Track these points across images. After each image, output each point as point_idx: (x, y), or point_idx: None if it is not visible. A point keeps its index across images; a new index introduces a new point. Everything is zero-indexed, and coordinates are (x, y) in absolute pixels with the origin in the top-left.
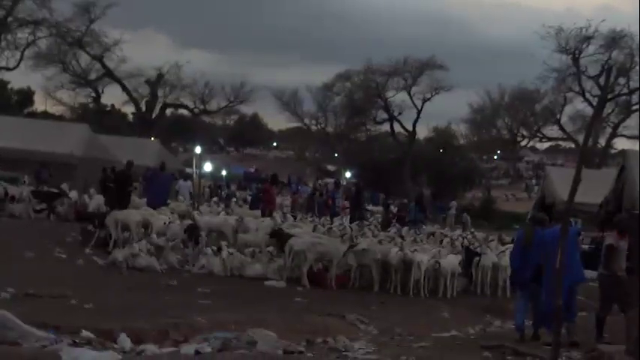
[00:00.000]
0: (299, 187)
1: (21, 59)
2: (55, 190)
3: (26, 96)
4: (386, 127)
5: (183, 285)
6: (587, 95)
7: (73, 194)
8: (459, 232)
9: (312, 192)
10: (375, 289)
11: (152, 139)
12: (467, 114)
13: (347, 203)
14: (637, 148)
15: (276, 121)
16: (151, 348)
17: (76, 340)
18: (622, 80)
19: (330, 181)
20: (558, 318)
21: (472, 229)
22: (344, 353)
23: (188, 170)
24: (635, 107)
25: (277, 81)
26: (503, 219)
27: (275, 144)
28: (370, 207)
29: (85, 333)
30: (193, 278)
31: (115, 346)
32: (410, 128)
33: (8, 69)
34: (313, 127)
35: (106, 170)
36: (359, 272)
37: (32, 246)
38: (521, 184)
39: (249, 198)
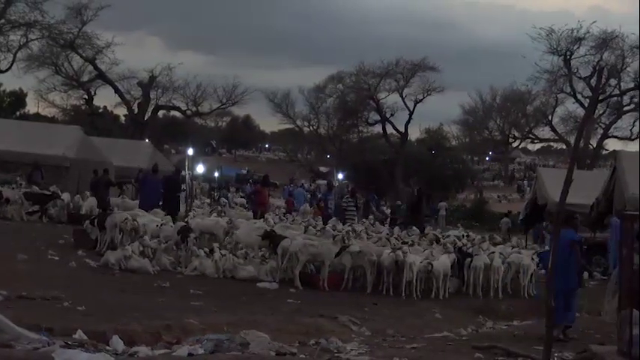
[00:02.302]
0: (290, 188)
1: (13, 61)
2: (48, 192)
3: (18, 98)
4: (378, 128)
5: (176, 287)
6: (579, 96)
7: (66, 196)
8: (453, 232)
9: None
10: (367, 290)
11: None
12: (459, 115)
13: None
14: (628, 149)
15: (269, 122)
16: (143, 350)
17: (69, 342)
18: (613, 81)
19: (323, 182)
20: (549, 318)
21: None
22: (336, 354)
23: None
24: (626, 108)
25: (269, 82)
26: (496, 220)
27: (267, 145)
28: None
29: (77, 335)
30: (186, 280)
31: (108, 347)
32: (402, 130)
33: (0, 71)
34: (305, 129)
35: (97, 172)
36: (352, 273)
37: (25, 248)
38: (513, 185)
39: (240, 199)
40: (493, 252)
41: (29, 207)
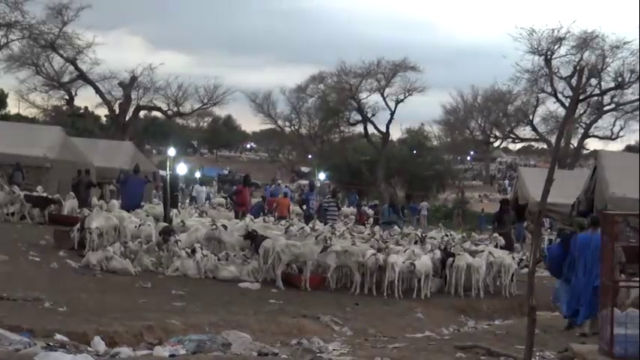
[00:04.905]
0: (271, 188)
1: None
2: (49, 195)
3: None
4: (359, 128)
5: (158, 287)
6: (560, 96)
7: None
8: (434, 232)
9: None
10: (353, 290)
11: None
12: (440, 115)
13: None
14: (609, 149)
15: (250, 122)
16: (125, 351)
17: (50, 344)
18: (594, 81)
19: (305, 182)
20: (530, 317)
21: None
22: (318, 355)
23: (162, 172)
24: (607, 108)
25: (251, 83)
26: (477, 219)
27: (249, 146)
28: (345, 207)
29: (59, 336)
30: (167, 280)
31: (90, 349)
32: (383, 129)
33: None
34: (287, 129)
35: (80, 172)
36: (336, 273)
37: (5, 249)
38: (494, 184)
39: (219, 199)
40: (482, 251)
41: (30, 209)
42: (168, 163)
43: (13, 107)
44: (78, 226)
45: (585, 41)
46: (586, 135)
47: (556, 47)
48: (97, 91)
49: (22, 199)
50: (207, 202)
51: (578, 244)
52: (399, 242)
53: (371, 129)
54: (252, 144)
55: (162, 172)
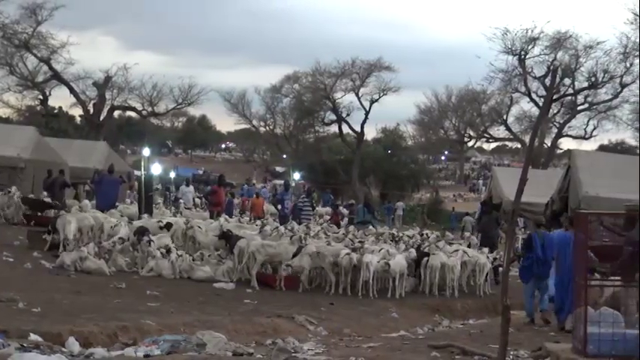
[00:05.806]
0: (243, 187)
1: None
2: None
3: None
4: (334, 128)
5: (132, 288)
6: (533, 96)
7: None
8: (411, 231)
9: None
10: (328, 290)
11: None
12: (414, 115)
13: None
14: (583, 148)
15: (225, 122)
16: (99, 351)
17: (25, 344)
18: (567, 81)
19: (279, 182)
20: (504, 317)
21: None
22: (293, 354)
23: (137, 173)
24: (580, 107)
25: (225, 82)
26: (448, 218)
27: (223, 146)
28: (320, 207)
29: (33, 337)
30: (142, 281)
31: (64, 349)
32: (358, 129)
33: None
34: (262, 129)
35: (51, 173)
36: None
37: None
38: (468, 184)
39: (197, 200)
40: (457, 250)
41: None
42: (142, 163)
43: None
44: (49, 228)
45: (559, 41)
46: (560, 134)
47: (530, 47)
48: (72, 91)
49: (17, 201)
50: (193, 202)
51: (557, 242)
52: (386, 241)
53: (346, 129)
54: (230, 143)
55: (136, 173)
